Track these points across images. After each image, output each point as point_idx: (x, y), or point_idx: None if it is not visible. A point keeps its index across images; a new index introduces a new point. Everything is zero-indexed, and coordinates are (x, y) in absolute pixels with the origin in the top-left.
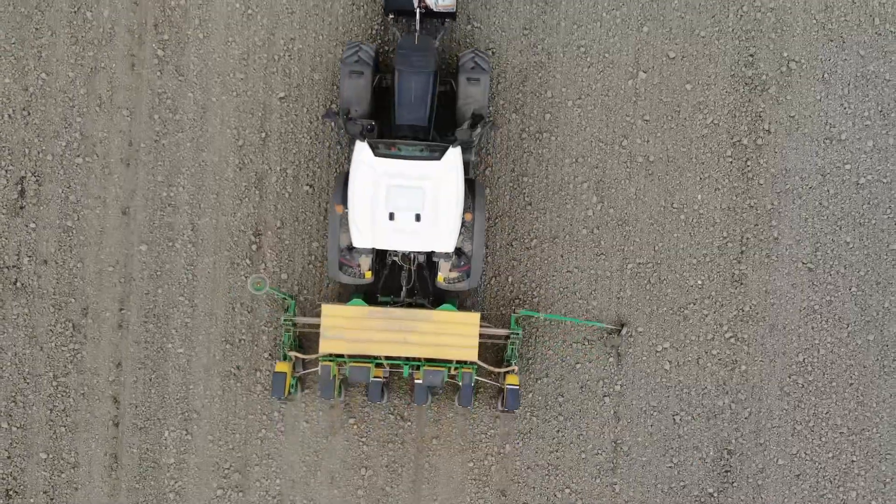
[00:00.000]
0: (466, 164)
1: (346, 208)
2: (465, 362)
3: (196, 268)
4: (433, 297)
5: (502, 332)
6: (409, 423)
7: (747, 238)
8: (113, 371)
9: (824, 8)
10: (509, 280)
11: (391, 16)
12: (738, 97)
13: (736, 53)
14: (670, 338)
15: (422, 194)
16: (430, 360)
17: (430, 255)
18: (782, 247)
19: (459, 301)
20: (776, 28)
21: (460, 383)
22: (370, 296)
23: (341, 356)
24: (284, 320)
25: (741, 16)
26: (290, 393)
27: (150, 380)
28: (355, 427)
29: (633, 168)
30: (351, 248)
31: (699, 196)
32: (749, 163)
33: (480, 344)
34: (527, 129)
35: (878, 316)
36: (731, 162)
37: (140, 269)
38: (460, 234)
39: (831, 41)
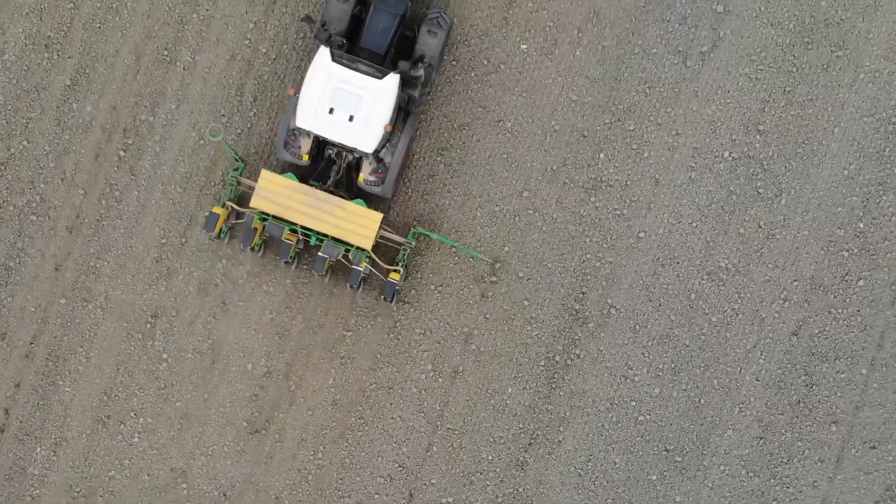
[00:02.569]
0: (410, 99)
1: (298, 94)
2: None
3: (98, 328)
4: (353, 196)
5: (399, 238)
6: None
7: (537, 434)
8: (11, 389)
9: (653, 274)
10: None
11: None
12: (562, 322)
13: (571, 288)
14: (455, 495)
15: (359, 101)
16: (335, 240)
17: (358, 160)
18: (562, 450)
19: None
20: (609, 278)
21: (352, 266)
22: (304, 181)
23: (267, 216)
24: (231, 176)
25: (584, 261)
26: (219, 236)
27: (38, 405)
28: (185, 490)
29: (465, 355)
30: (296, 130)
31: (510, 389)
32: (556, 376)
33: (382, 247)
34: (387, 326)
35: None
36: (542, 371)
37: (55, 317)
38: (385, 147)
39: (650, 301)
